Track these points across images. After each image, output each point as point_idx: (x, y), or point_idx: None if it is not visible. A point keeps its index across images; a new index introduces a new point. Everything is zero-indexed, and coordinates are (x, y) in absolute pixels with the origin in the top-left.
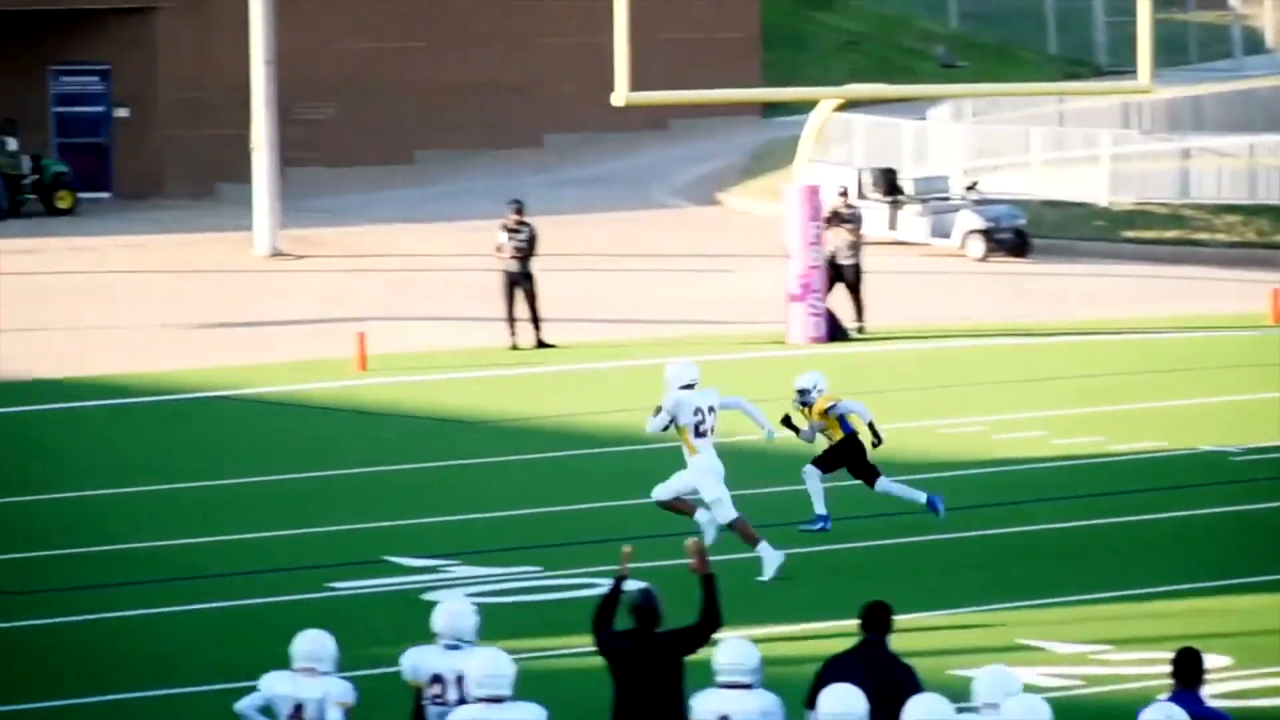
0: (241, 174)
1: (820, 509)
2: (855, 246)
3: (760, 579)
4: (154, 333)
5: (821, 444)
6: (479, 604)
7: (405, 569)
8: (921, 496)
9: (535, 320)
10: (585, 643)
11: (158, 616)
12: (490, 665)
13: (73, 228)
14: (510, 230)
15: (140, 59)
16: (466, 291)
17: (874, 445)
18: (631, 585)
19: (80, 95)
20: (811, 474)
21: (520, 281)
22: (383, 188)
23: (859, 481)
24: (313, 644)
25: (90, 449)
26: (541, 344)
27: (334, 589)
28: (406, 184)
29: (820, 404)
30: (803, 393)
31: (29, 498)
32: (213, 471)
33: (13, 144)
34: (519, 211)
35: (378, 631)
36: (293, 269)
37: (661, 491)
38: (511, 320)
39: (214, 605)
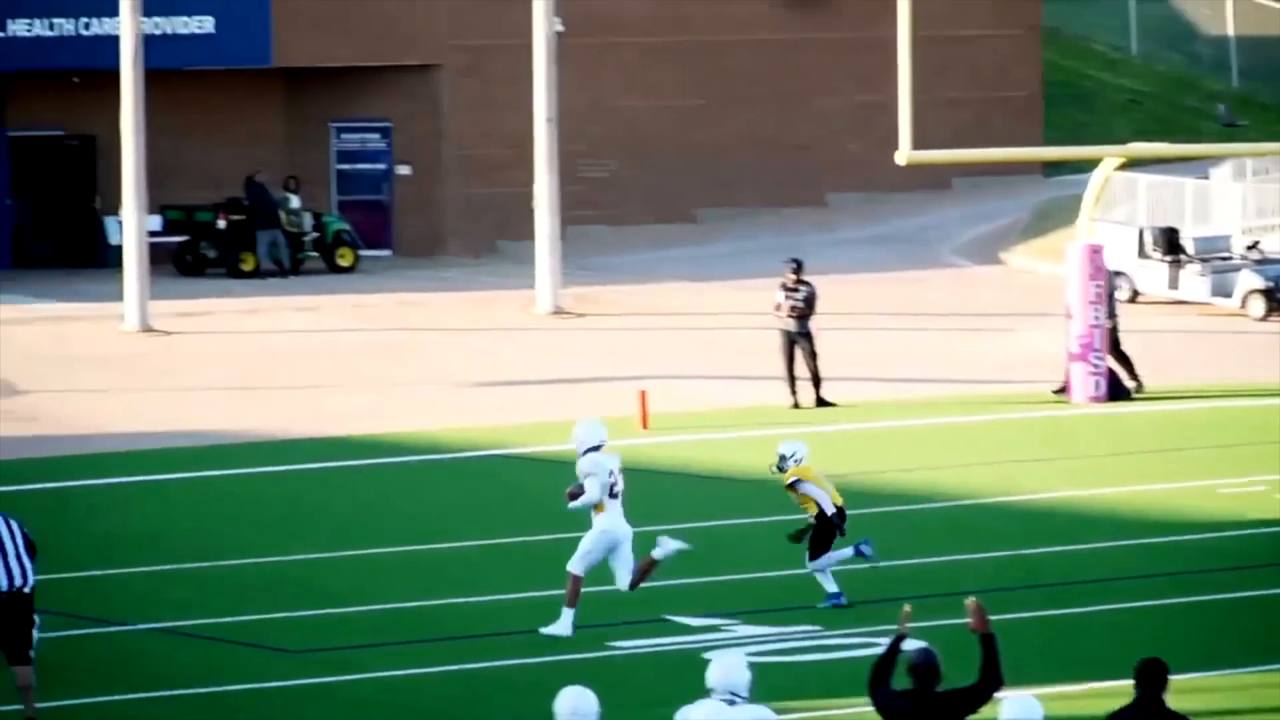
0: (523, 232)
1: (832, 588)
2: (1109, 309)
3: (542, 629)
4: (436, 390)
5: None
6: (758, 663)
7: (686, 628)
8: (848, 551)
9: (816, 379)
10: (863, 702)
11: (433, 675)
12: None
13: (354, 285)
14: (788, 290)
15: (422, 116)
16: (748, 350)
17: (840, 534)
18: (911, 644)
19: (361, 152)
20: (815, 567)
21: (798, 340)
22: (664, 246)
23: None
24: (576, 700)
25: (368, 507)
26: (822, 402)
27: (615, 648)
28: (688, 242)
29: (788, 476)
30: (781, 458)
31: (307, 556)
32: (493, 530)
33: (295, 201)
34: (797, 270)
35: (658, 691)
36: (575, 327)
37: (578, 566)
38: (791, 379)
39: (493, 664)
